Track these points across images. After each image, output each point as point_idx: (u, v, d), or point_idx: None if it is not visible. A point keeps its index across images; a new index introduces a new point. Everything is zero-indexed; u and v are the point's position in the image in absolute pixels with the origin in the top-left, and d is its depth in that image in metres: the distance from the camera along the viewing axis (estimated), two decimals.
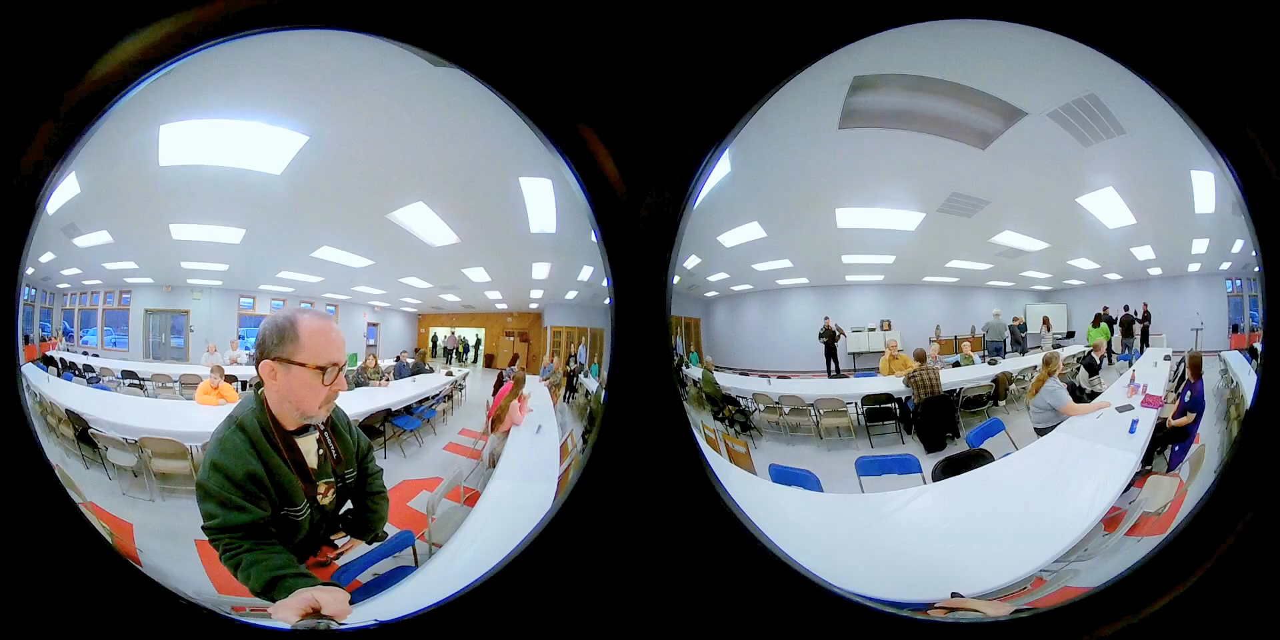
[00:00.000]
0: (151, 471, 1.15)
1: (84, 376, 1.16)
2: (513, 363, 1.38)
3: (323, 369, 1.18)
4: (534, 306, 1.34)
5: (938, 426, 0.99)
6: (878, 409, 1.05)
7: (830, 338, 1.12)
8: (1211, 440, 0.92)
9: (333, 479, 1.23)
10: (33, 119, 1.08)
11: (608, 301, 1.32)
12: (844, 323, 1.10)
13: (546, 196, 1.35)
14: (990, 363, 1.02)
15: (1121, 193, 0.90)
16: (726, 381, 1.20)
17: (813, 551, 1.07)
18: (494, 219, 1.33)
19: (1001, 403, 1.00)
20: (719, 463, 1.19)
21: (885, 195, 1.00)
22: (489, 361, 1.40)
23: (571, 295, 1.33)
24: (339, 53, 1.22)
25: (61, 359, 1.14)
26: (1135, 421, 0.91)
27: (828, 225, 1.06)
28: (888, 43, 1.05)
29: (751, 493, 1.13)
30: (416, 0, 1.20)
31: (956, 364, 1.04)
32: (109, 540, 1.15)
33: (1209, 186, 0.88)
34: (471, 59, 1.24)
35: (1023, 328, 0.99)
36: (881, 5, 1.06)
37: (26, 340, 1.13)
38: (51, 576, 1.16)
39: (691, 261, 1.23)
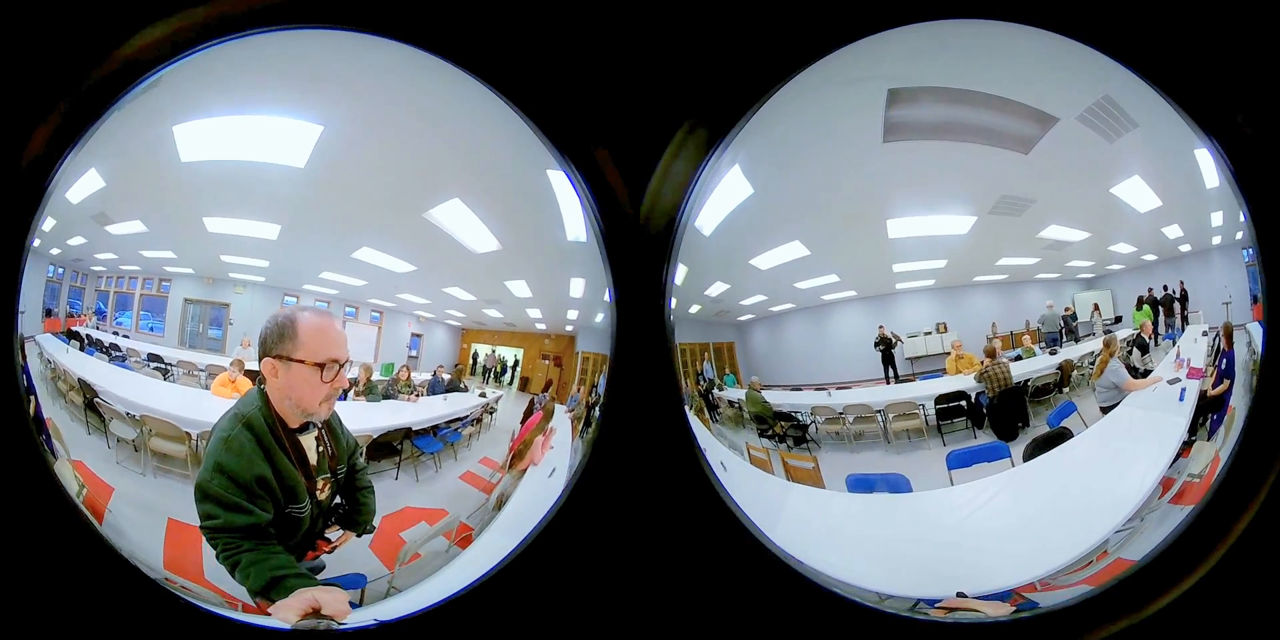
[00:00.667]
0: (149, 448, 1.15)
1: (107, 353, 1.17)
2: (546, 389, 1.39)
3: (321, 366, 1.20)
4: (569, 329, 1.37)
5: (1012, 417, 1.06)
6: (948, 407, 1.10)
7: (887, 345, 1.18)
8: (1241, 408, 1.02)
9: (329, 475, 1.23)
10: (49, 98, 1.15)
11: (601, 318, 1.34)
12: (898, 329, 1.17)
13: (571, 200, 1.37)
14: (1051, 353, 1.10)
15: (1146, 179, 1.04)
16: (775, 399, 1.23)
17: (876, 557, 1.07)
18: (530, 221, 1.36)
19: (1065, 389, 1.07)
20: (769, 485, 1.18)
21: (938, 203, 1.11)
22: (524, 385, 1.40)
23: (600, 318, 1.36)
24: (348, 52, 1.29)
25: (88, 335, 1.16)
26: (1183, 390, 1.02)
27: (878, 237, 1.15)
28: (887, 42, 1.19)
29: (824, 509, 1.13)
30: (430, 5, 1.29)
31: (1019, 357, 1.11)
32: (75, 497, 1.16)
33: (1210, 163, 1.04)
34: (482, 64, 1.30)
35: (1074, 317, 1.08)
36: (881, 5, 1.19)
37: (49, 313, 1.17)
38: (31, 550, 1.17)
39: (717, 289, 1.28)
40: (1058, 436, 1.03)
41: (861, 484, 1.11)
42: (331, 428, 1.24)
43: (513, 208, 1.35)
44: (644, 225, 1.34)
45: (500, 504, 1.28)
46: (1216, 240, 1.05)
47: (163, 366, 1.19)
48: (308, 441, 1.21)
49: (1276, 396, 1.05)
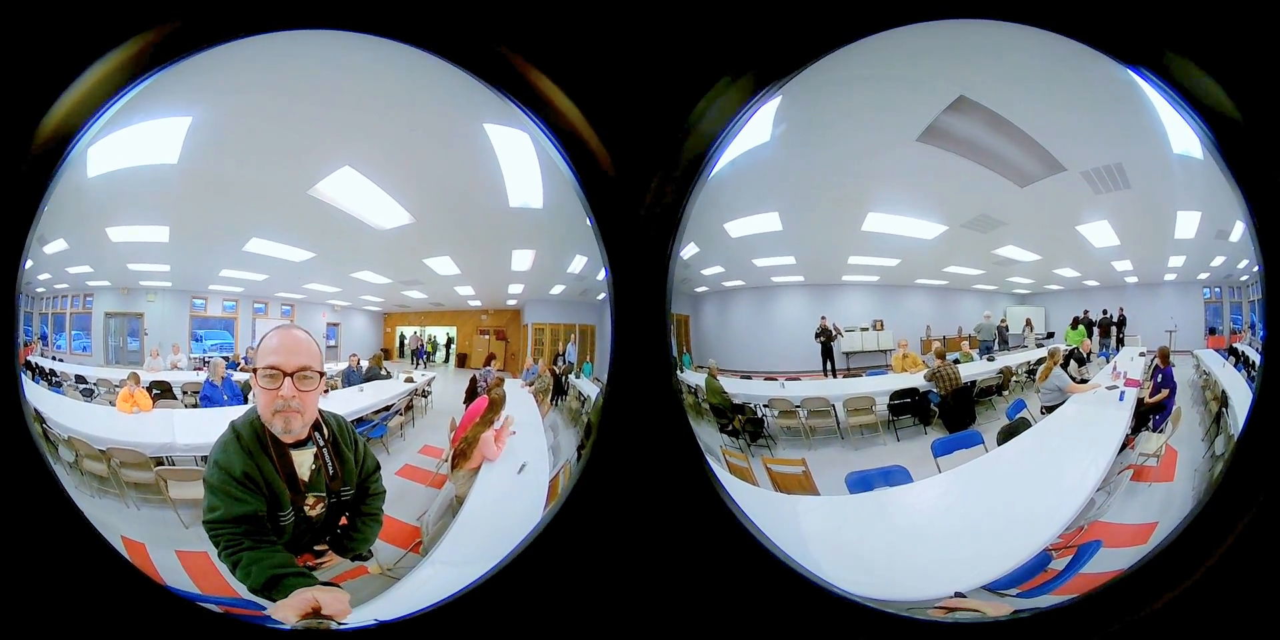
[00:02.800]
0: (81, 470, 1.21)
1: (47, 379, 1.22)
2: (488, 363, 1.35)
3: (259, 373, 1.20)
4: (512, 303, 1.32)
5: (961, 415, 1.15)
6: (900, 404, 1.17)
7: (828, 337, 1.21)
8: (1189, 410, 1.14)
9: (324, 494, 1.25)
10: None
11: (602, 296, 1.29)
12: (837, 323, 1.20)
13: (526, 154, 1.29)
14: (989, 359, 1.18)
15: (1113, 223, 1.11)
16: (729, 387, 1.25)
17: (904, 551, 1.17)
18: (453, 187, 1.28)
19: (1005, 392, 1.17)
20: (757, 497, 1.21)
21: (922, 207, 1.13)
22: (461, 361, 1.38)
23: (558, 290, 1.31)
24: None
25: (34, 363, 1.22)
26: (1123, 393, 1.15)
27: (852, 227, 1.16)
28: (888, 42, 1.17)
29: (830, 516, 1.18)
30: None
31: (957, 361, 1.18)
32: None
33: (1193, 222, 1.11)
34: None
35: (1005, 329, 1.16)
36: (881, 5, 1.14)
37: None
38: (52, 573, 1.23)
39: (689, 250, 1.25)
40: (1021, 424, 1.14)
41: (863, 483, 1.17)
42: (339, 448, 1.24)
43: (427, 173, 1.26)
44: (665, 173, 1.26)
45: (457, 505, 1.27)
46: (1170, 277, 1.11)
47: (88, 386, 1.23)
48: (302, 456, 1.22)
49: (1277, 397, 1.12)
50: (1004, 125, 1.08)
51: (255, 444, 1.20)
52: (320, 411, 1.23)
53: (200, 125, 1.19)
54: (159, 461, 1.21)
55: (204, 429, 1.21)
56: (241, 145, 1.20)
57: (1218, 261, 1.08)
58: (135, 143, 1.19)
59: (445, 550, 1.25)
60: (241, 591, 1.19)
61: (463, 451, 1.29)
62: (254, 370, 1.20)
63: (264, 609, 1.19)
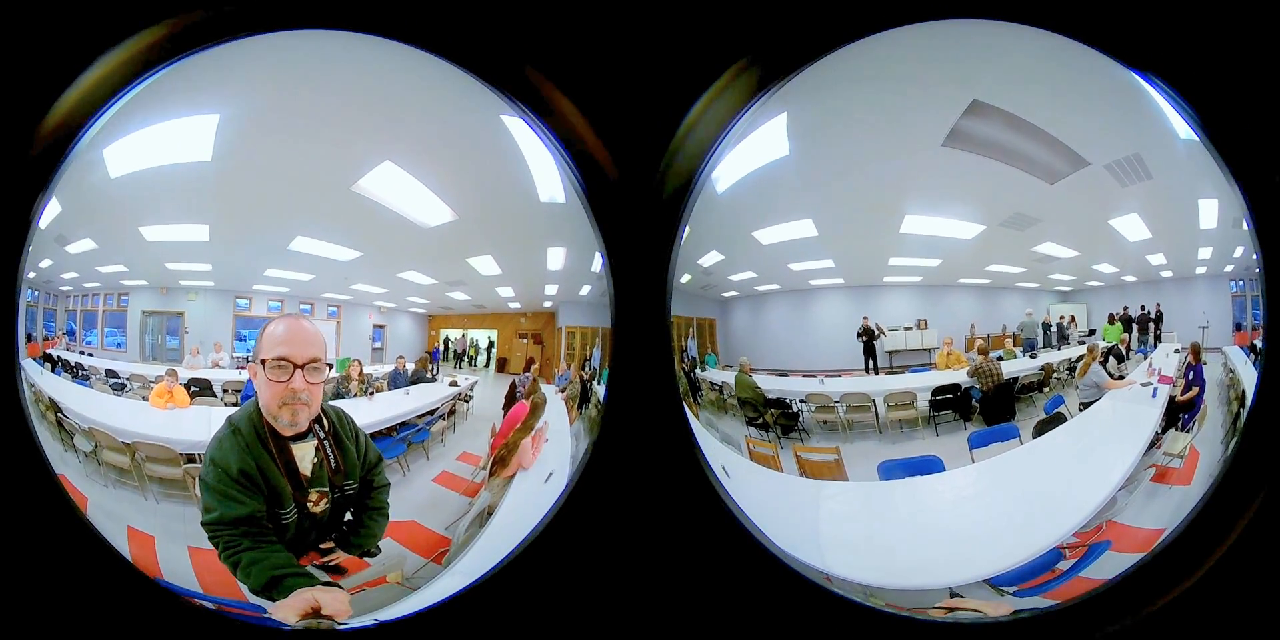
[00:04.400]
0: (100, 460, 1.22)
1: (73, 372, 1.23)
2: (527, 368, 1.36)
3: (267, 364, 1.21)
4: (548, 305, 1.34)
5: (1001, 410, 1.20)
6: (942, 399, 1.23)
7: (870, 337, 1.26)
8: (1214, 410, 1.20)
9: (328, 488, 1.25)
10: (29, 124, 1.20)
11: (588, 290, 1.32)
12: (880, 322, 1.25)
13: (540, 150, 1.30)
14: (1031, 356, 1.24)
15: (1143, 217, 1.18)
16: (762, 384, 1.28)
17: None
18: (488, 181, 1.30)
19: (1045, 389, 1.23)
20: (778, 482, 1.23)
21: (958, 209, 1.19)
22: (501, 366, 1.39)
23: (585, 291, 1.34)
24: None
25: (57, 356, 1.23)
26: (1155, 390, 1.21)
27: (890, 230, 1.21)
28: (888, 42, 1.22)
29: (851, 501, 1.21)
30: None
31: (1000, 358, 1.24)
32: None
33: (1213, 210, 1.18)
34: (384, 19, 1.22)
35: (1048, 325, 1.22)
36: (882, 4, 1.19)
37: (29, 338, 1.22)
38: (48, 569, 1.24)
39: (711, 258, 1.28)
40: (1057, 418, 1.19)
41: (894, 470, 1.20)
42: (340, 440, 1.24)
43: (463, 168, 1.28)
44: (662, 174, 1.29)
45: (487, 515, 1.27)
46: (1200, 271, 1.18)
47: (119, 381, 1.23)
48: (302, 449, 1.22)
49: (1277, 398, 1.17)
50: (1022, 124, 1.14)
51: (255, 439, 1.21)
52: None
53: (229, 121, 1.20)
54: (190, 458, 1.21)
55: None
56: (276, 141, 1.21)
57: (1238, 252, 1.16)
58: (159, 141, 1.21)
59: (468, 562, 1.25)
60: (246, 593, 1.19)
61: (502, 458, 1.30)
62: (262, 362, 1.19)
63: (263, 610, 1.19)
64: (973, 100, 1.14)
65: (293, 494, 1.21)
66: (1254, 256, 1.15)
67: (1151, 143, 1.16)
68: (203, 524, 1.19)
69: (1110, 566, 1.18)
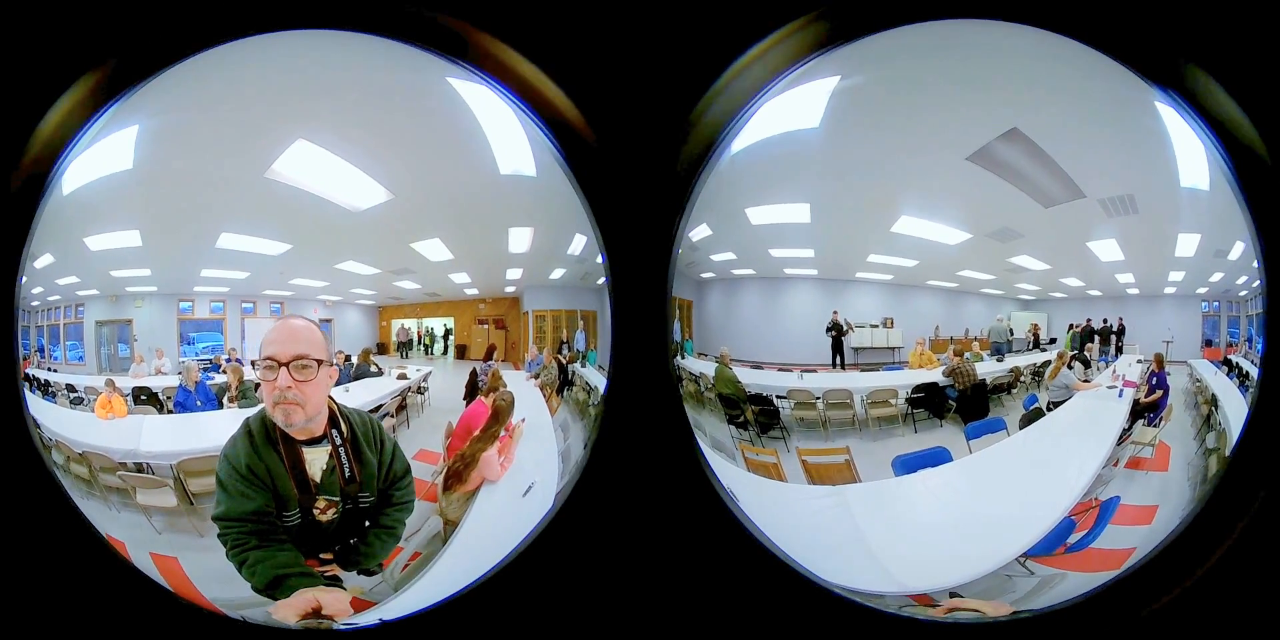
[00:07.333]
0: (70, 472, 1.25)
1: (42, 390, 1.26)
2: (489, 355, 1.33)
3: (259, 364, 1.20)
4: (510, 290, 1.30)
5: (977, 409, 1.27)
6: (917, 397, 1.28)
7: (839, 332, 1.30)
8: (1180, 412, 1.26)
9: (338, 498, 1.25)
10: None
11: (602, 280, 1.28)
12: (848, 318, 1.28)
13: (503, 114, 1.25)
14: (999, 359, 1.30)
15: (1120, 244, 1.22)
16: (742, 377, 1.29)
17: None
18: (430, 153, 1.25)
19: (1013, 390, 1.29)
20: (778, 492, 1.24)
21: (954, 216, 1.21)
22: (461, 353, 1.37)
23: (558, 274, 1.30)
24: None
25: (31, 375, 1.26)
26: (1121, 391, 1.28)
27: (882, 227, 1.23)
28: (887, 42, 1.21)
29: (882, 498, 1.24)
30: None
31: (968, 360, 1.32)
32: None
33: (1193, 243, 1.22)
34: None
35: (1010, 332, 1.29)
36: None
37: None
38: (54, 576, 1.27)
39: (700, 232, 1.26)
40: (1038, 413, 1.26)
41: (908, 465, 1.24)
42: (359, 448, 1.24)
43: (397, 139, 1.23)
44: (686, 130, 1.22)
45: (449, 530, 1.25)
46: (1170, 291, 1.23)
47: (78, 395, 1.26)
48: (314, 454, 1.23)
49: (1276, 399, 1.21)
50: (1042, 155, 1.17)
51: (264, 440, 1.22)
52: (340, 406, 1.24)
53: (147, 129, 1.20)
54: (140, 467, 1.22)
55: (169, 436, 1.23)
56: (188, 139, 1.20)
57: (1216, 277, 1.21)
58: (97, 157, 1.22)
59: (425, 584, 1.24)
60: (242, 595, 1.21)
61: (457, 472, 1.26)
62: (252, 363, 1.21)
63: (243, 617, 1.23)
64: (1013, 127, 1.15)
65: (299, 498, 1.22)
66: (1244, 279, 1.19)
67: (1152, 181, 1.19)
68: (213, 518, 1.21)
69: (1119, 538, 1.23)
